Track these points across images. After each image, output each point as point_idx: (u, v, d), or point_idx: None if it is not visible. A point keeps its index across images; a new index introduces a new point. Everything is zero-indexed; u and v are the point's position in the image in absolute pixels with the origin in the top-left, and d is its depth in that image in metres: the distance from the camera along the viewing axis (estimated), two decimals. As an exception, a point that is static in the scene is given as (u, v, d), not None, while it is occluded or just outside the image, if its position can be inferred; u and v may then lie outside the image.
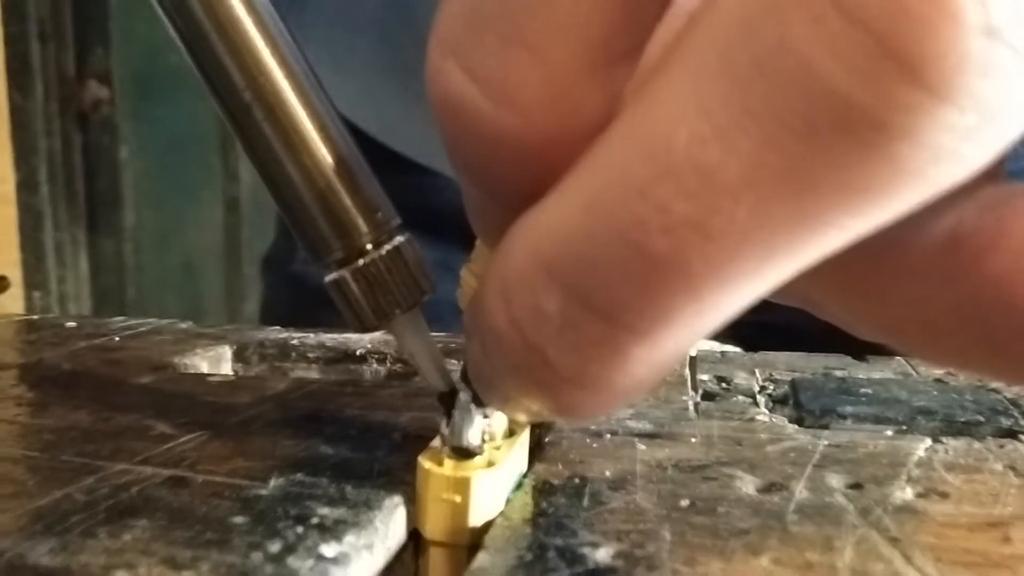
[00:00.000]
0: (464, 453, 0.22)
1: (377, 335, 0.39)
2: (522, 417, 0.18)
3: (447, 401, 0.22)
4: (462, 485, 0.21)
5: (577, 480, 0.24)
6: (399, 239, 0.21)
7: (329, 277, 0.21)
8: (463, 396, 0.22)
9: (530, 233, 0.14)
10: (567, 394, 0.14)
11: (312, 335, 0.40)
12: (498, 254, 0.15)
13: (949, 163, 0.11)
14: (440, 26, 0.14)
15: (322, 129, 0.20)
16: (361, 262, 0.21)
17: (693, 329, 0.13)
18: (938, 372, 0.34)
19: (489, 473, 0.22)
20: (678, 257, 0.12)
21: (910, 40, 0.10)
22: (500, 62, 0.13)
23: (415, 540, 0.23)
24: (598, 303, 0.13)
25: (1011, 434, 0.27)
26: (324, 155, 0.20)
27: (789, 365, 0.35)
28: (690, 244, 0.12)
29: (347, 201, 0.21)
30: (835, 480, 0.23)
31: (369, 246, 0.21)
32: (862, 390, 0.31)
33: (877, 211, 0.12)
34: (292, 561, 0.19)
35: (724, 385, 0.33)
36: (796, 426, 0.28)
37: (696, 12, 0.12)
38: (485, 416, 0.23)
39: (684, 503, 0.22)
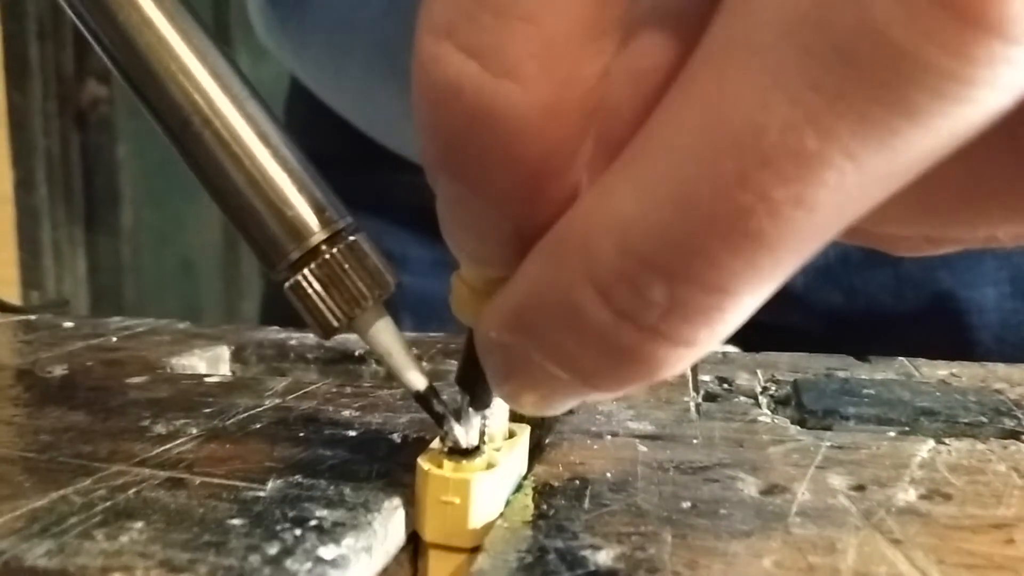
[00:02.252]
0: (463, 454, 0.22)
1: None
2: (553, 406, 0.17)
3: (425, 401, 0.22)
4: (462, 487, 0.21)
5: (578, 482, 0.23)
6: (353, 237, 0.21)
7: (287, 284, 0.21)
8: (460, 399, 0.22)
9: (612, 229, 0.14)
10: (672, 358, 0.15)
11: (311, 335, 0.40)
12: (566, 252, 0.15)
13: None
14: (430, 13, 0.14)
15: (262, 135, 0.21)
16: (314, 263, 0.21)
17: (779, 280, 0.14)
18: (941, 373, 0.34)
19: (489, 475, 0.22)
20: (784, 232, 0.13)
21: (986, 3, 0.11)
22: (497, 35, 0.14)
23: (414, 543, 0.23)
24: (706, 282, 0.14)
25: (1014, 435, 0.27)
26: (266, 159, 0.21)
27: (791, 366, 0.35)
28: (795, 221, 0.13)
29: (294, 201, 0.21)
30: (838, 481, 0.23)
31: (323, 246, 0.21)
32: (865, 391, 0.31)
33: (963, 138, 0.12)
34: (290, 564, 0.19)
35: (726, 386, 0.32)
36: (798, 427, 0.28)
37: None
38: (483, 417, 0.23)
39: (685, 505, 0.22)
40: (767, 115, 0.12)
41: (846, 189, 0.12)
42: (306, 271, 0.21)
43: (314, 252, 0.21)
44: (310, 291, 0.21)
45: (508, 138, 0.14)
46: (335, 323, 0.21)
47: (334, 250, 0.21)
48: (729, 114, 0.13)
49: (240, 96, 0.21)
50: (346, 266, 0.21)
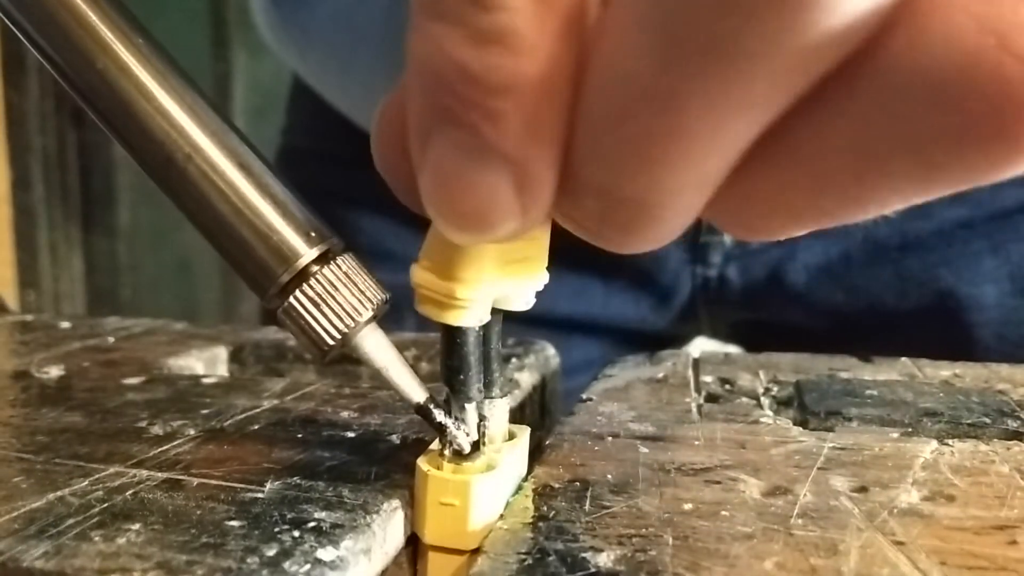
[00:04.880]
0: (463, 455, 0.22)
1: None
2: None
3: (426, 412, 0.22)
4: (461, 488, 0.21)
5: (578, 483, 0.23)
6: (340, 257, 0.22)
7: (280, 309, 0.21)
8: (451, 401, 0.22)
9: None
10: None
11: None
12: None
13: None
14: None
15: (243, 167, 0.21)
16: (305, 284, 0.21)
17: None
18: (944, 374, 0.34)
19: (489, 476, 0.22)
20: None
21: None
22: None
23: (413, 544, 0.23)
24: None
25: (1017, 436, 0.27)
26: (249, 189, 0.21)
27: (793, 366, 0.35)
28: None
29: (280, 226, 0.21)
30: (840, 483, 0.23)
31: (312, 266, 0.21)
32: (867, 392, 0.31)
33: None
34: (288, 565, 0.19)
35: (728, 387, 0.32)
36: (800, 428, 0.28)
37: None
38: (481, 418, 0.22)
39: (687, 507, 0.22)
40: None
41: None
42: (297, 292, 0.21)
43: (303, 274, 0.21)
44: (303, 311, 0.21)
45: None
46: (329, 341, 0.21)
47: (324, 270, 0.21)
48: None
49: (219, 131, 0.21)
50: (336, 284, 0.21)
